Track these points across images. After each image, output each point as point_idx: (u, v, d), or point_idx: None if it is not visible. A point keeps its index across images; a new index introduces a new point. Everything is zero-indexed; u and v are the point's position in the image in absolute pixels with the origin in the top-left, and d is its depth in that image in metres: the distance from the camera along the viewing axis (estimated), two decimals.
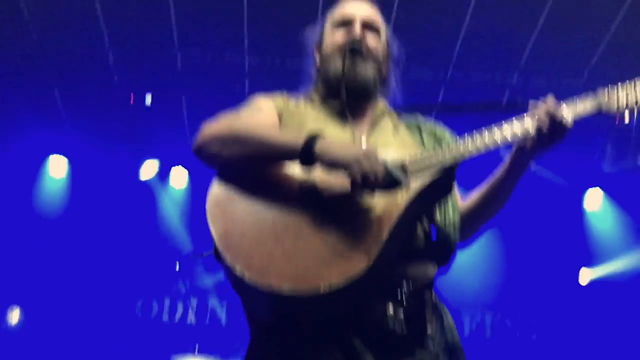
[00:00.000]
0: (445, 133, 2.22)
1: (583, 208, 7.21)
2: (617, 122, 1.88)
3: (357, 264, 1.72)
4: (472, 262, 6.45)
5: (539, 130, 1.84)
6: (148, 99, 6.36)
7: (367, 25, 2.20)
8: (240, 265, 1.71)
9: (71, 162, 7.24)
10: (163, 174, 7.24)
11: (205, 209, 1.83)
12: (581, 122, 1.85)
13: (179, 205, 7.28)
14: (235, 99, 6.32)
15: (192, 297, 7.36)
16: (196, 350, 5.69)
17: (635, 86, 1.85)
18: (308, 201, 1.85)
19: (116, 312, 7.26)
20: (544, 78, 6.44)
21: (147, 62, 6.42)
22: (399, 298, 1.84)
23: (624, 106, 1.85)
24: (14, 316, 7.14)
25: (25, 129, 6.88)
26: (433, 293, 1.93)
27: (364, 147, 1.94)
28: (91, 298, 7.12)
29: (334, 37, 2.21)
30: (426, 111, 2.30)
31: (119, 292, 7.27)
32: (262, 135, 1.90)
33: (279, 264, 1.72)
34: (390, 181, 1.82)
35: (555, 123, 1.82)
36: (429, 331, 1.87)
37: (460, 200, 2.13)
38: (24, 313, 7.09)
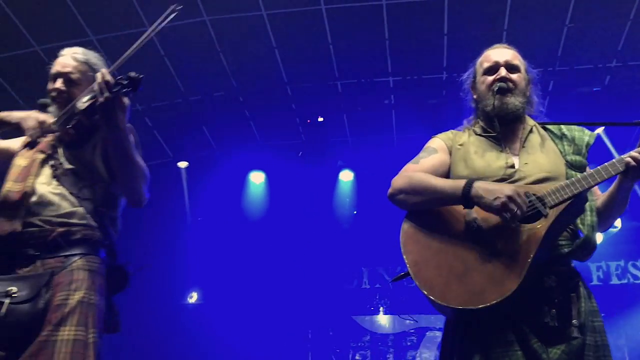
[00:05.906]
0: (584, 137, 2.55)
1: None
2: None
3: (509, 286, 2.15)
4: None
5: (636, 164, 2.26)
6: (320, 119, 7.75)
7: (509, 66, 2.59)
8: (426, 290, 2.26)
9: (267, 174, 8.63)
10: (334, 174, 8.56)
11: (399, 241, 2.38)
12: None
13: (349, 196, 8.60)
14: (385, 111, 7.89)
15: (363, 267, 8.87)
16: None
17: None
18: (471, 235, 2.31)
19: (306, 283, 8.79)
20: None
21: (311, 93, 7.49)
22: (550, 297, 2.24)
23: None
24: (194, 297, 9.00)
25: (231, 151, 8.43)
26: (577, 281, 2.32)
27: (514, 180, 2.36)
28: (289, 272, 8.72)
29: (484, 80, 2.60)
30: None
31: (309, 269, 8.79)
32: (432, 187, 2.40)
33: (453, 288, 2.22)
34: (532, 213, 2.22)
35: None
36: (574, 321, 2.24)
37: (599, 199, 2.50)
38: (235, 293, 8.64)
